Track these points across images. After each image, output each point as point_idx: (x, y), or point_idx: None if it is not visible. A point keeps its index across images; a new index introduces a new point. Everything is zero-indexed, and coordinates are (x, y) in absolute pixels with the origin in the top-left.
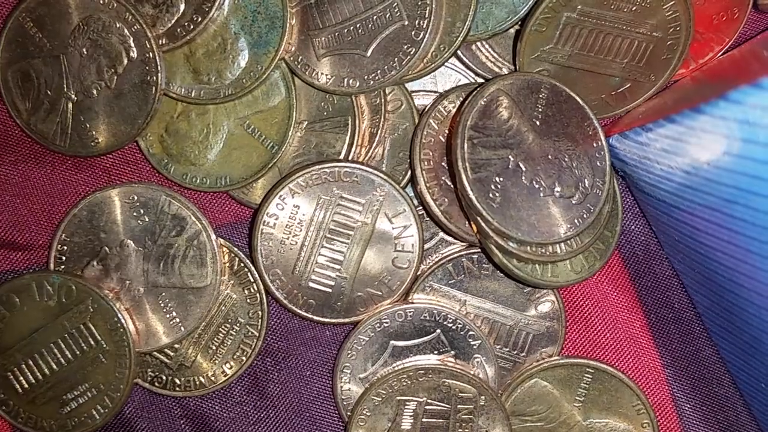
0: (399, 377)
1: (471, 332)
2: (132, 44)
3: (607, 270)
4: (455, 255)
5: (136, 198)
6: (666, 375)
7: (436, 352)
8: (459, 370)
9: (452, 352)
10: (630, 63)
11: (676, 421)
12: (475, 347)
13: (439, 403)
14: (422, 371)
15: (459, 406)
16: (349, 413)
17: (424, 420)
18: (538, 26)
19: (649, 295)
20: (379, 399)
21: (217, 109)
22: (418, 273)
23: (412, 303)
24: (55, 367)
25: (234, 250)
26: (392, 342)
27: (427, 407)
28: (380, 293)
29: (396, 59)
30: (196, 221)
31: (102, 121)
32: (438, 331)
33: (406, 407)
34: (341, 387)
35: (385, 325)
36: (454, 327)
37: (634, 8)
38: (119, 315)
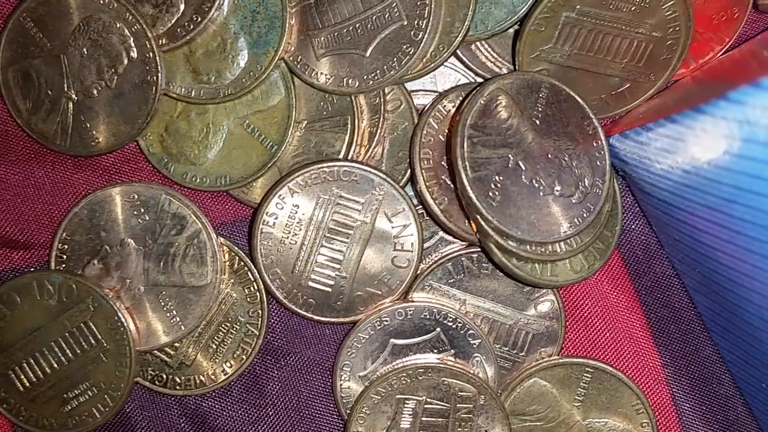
0: (398, 376)
1: (471, 331)
2: (132, 44)
3: (607, 269)
4: (455, 254)
5: (136, 197)
6: (665, 374)
7: (435, 350)
8: (459, 369)
9: (452, 351)
10: (629, 63)
11: (676, 420)
12: (474, 346)
13: (438, 402)
14: (422, 370)
15: (458, 405)
16: (348, 411)
17: (423, 419)
18: (537, 26)
19: (649, 294)
20: (379, 397)
21: (217, 108)
22: (418, 272)
23: (413, 301)
24: (55, 365)
25: (234, 249)
26: (392, 340)
27: (426, 406)
28: (380, 292)
29: (395, 59)
30: (196, 220)
31: (102, 121)
32: (438, 329)
33: (405, 406)
34: (341, 385)
35: (385, 323)
36: (454, 326)
37: (633, 8)
38: (119, 314)
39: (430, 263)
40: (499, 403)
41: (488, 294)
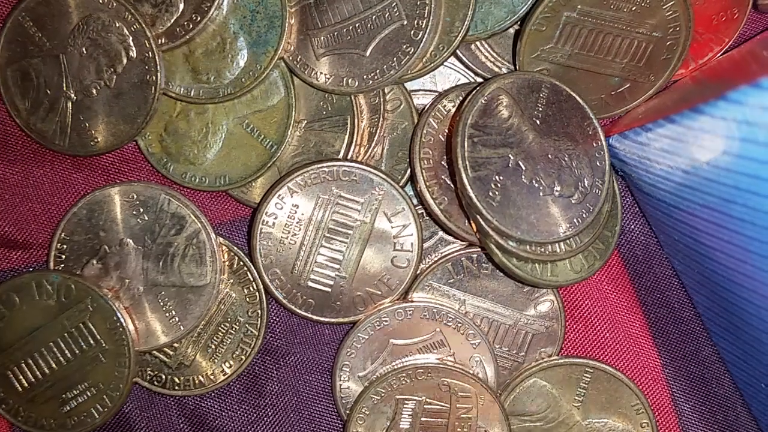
0: (398, 376)
1: (470, 331)
2: (131, 44)
3: (607, 270)
4: (455, 254)
5: (135, 197)
6: (665, 374)
7: (435, 350)
8: (458, 370)
9: (451, 351)
10: (630, 63)
11: (675, 420)
12: (474, 346)
13: (438, 402)
14: (421, 370)
15: (458, 405)
16: (347, 411)
17: (422, 419)
18: (538, 26)
19: (648, 294)
20: (378, 398)
21: (216, 108)
22: (418, 272)
23: (412, 302)
24: (54, 366)
25: (233, 249)
26: (392, 340)
27: (426, 406)
28: (379, 292)
29: (395, 59)
30: (195, 220)
31: (101, 121)
32: (437, 329)
33: (405, 406)
34: (340, 385)
35: (385, 323)
36: (453, 326)
37: (633, 8)
38: (118, 314)
39: (430, 263)
40: (499, 403)
41: (488, 294)
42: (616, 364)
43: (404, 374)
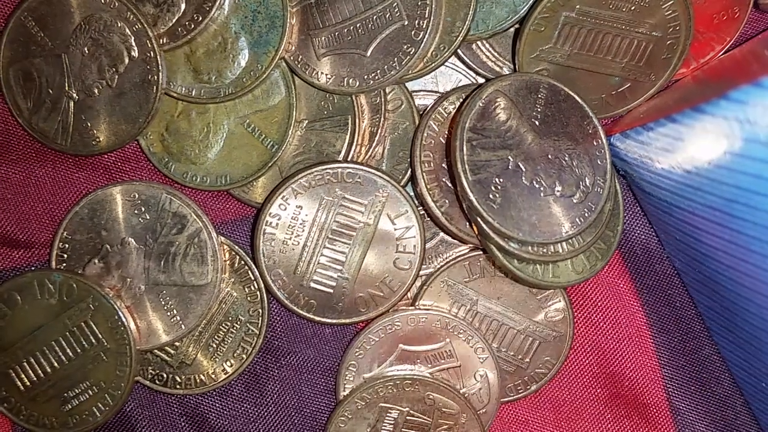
0: (385, 384)
1: (479, 346)
2: (133, 43)
3: (608, 269)
4: (472, 254)
5: (137, 196)
6: (663, 374)
7: (442, 360)
8: (445, 385)
9: (458, 363)
10: (630, 62)
11: (671, 420)
12: (481, 361)
13: (420, 415)
14: (409, 381)
15: (439, 420)
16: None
17: (403, 430)
18: (536, 26)
19: (649, 294)
20: (363, 403)
21: (218, 108)
22: (426, 271)
23: (427, 309)
24: (56, 364)
25: (234, 248)
26: (401, 345)
27: (408, 417)
28: (381, 294)
29: (396, 59)
30: (196, 219)
31: (103, 120)
32: (447, 340)
33: (387, 415)
34: (344, 385)
35: (397, 327)
36: (464, 339)
37: (633, 7)
38: (120, 313)
39: (448, 259)
40: (479, 424)
41: (500, 297)
42: (616, 363)
43: (391, 383)
